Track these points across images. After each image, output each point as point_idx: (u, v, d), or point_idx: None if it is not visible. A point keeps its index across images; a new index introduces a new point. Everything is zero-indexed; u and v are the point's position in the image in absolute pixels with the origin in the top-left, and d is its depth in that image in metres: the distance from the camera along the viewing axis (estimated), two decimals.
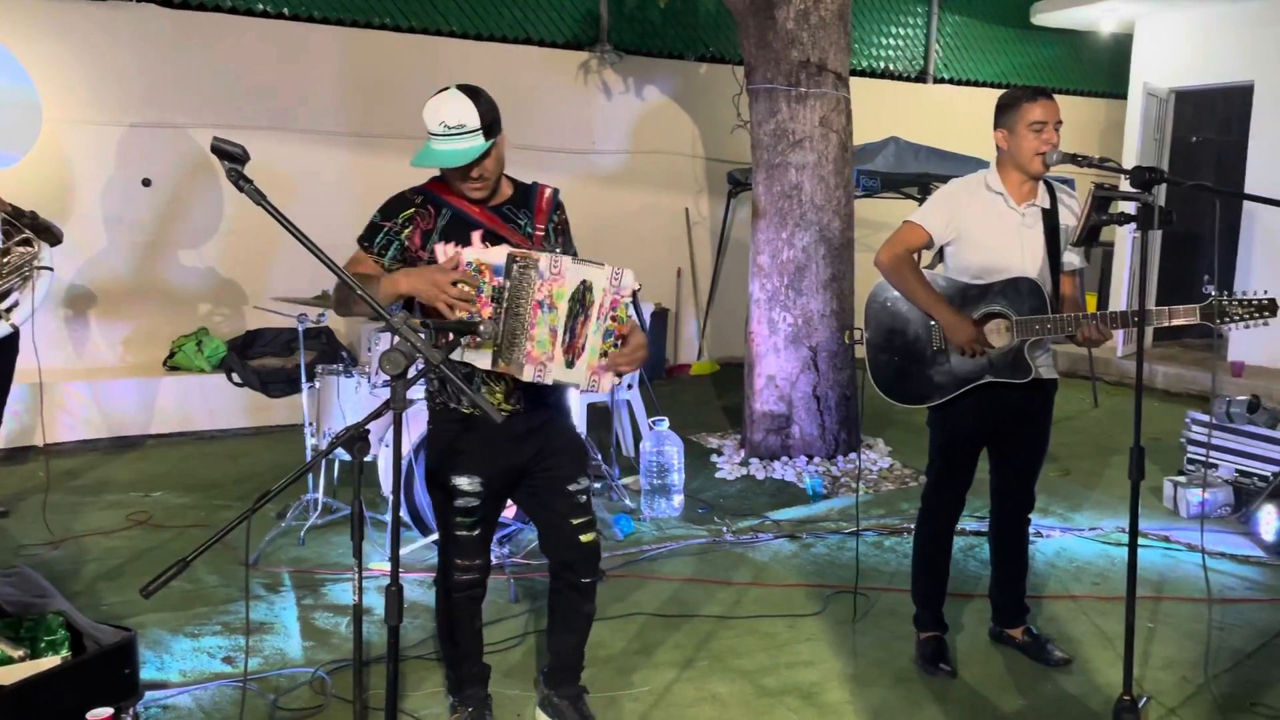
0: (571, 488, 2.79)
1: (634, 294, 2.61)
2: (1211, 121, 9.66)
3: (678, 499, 5.14)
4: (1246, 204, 8.50)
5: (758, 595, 4.10)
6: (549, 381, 2.54)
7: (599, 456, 5.39)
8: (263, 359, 6.98)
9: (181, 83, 7.06)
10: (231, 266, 7.32)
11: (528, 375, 2.52)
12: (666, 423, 5.16)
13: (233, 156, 1.83)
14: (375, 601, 3.90)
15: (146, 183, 7.02)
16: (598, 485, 5.30)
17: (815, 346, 5.93)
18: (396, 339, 1.92)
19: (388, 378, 1.93)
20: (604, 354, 2.59)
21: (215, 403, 6.78)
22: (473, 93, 2.57)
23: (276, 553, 4.53)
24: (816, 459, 5.93)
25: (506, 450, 2.72)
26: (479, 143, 2.55)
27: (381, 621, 3.72)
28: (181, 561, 1.99)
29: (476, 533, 2.77)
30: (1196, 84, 8.97)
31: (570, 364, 2.55)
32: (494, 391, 2.66)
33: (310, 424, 4.84)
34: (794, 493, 5.52)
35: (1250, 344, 7.94)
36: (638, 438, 5.85)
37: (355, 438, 2.23)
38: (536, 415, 2.72)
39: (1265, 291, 3.02)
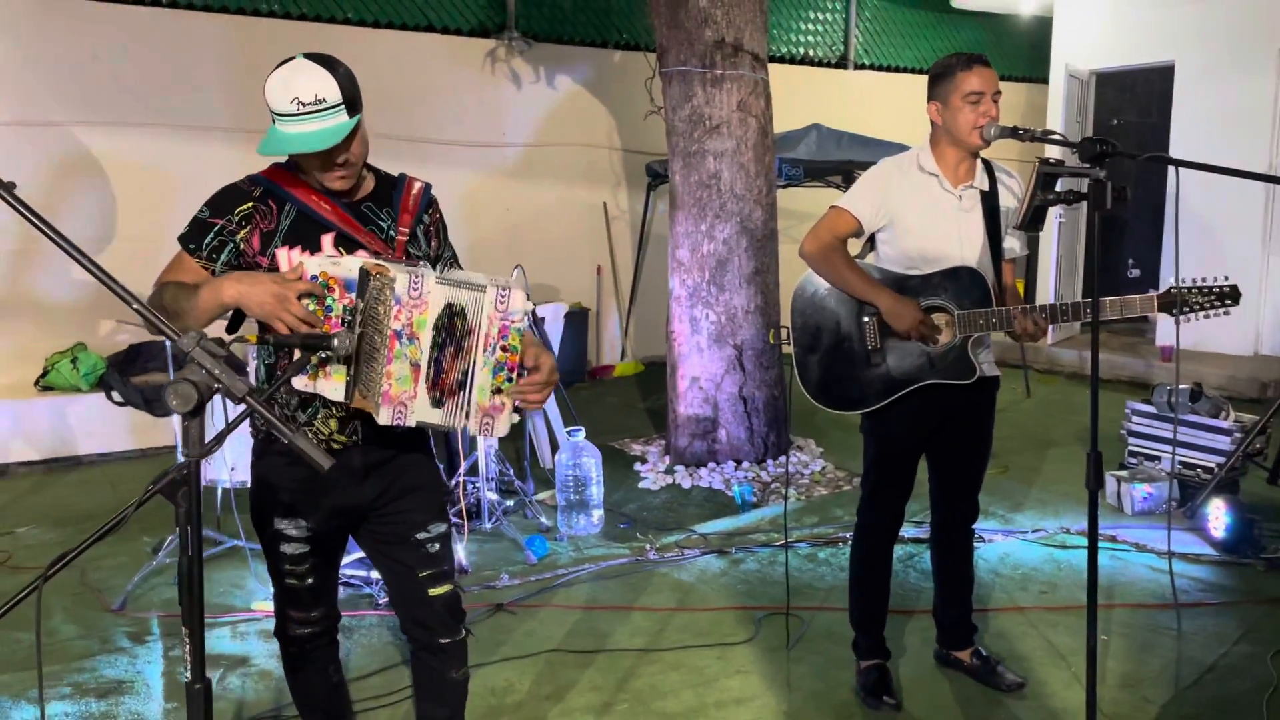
0: (420, 536, 2.32)
1: (533, 313, 2.18)
2: (1132, 104, 9.58)
3: (597, 514, 4.76)
4: (1169, 187, 8.41)
5: (684, 622, 3.74)
6: (411, 424, 2.09)
7: (511, 472, 4.99)
8: (147, 375, 6.42)
9: (50, 76, 6.47)
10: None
11: (384, 418, 2.06)
12: (583, 432, 4.77)
13: None
14: (255, 648, 3.47)
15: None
16: (510, 504, 4.90)
17: (740, 345, 5.60)
18: (188, 365, 1.48)
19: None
20: (496, 390, 2.14)
21: (94, 425, 6.20)
22: (327, 62, 2.09)
23: (148, 594, 4.03)
24: (745, 464, 5.60)
25: (341, 490, 2.24)
26: (343, 120, 2.07)
27: (259, 675, 3.33)
28: None
29: (310, 581, 2.31)
30: (1117, 65, 8.86)
31: (438, 403, 2.10)
32: (328, 419, 2.20)
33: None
34: (722, 501, 5.17)
35: (1174, 327, 7.83)
36: (555, 447, 5.46)
37: (176, 484, 1.89)
38: (379, 450, 2.25)
39: (1226, 278, 2.76)
